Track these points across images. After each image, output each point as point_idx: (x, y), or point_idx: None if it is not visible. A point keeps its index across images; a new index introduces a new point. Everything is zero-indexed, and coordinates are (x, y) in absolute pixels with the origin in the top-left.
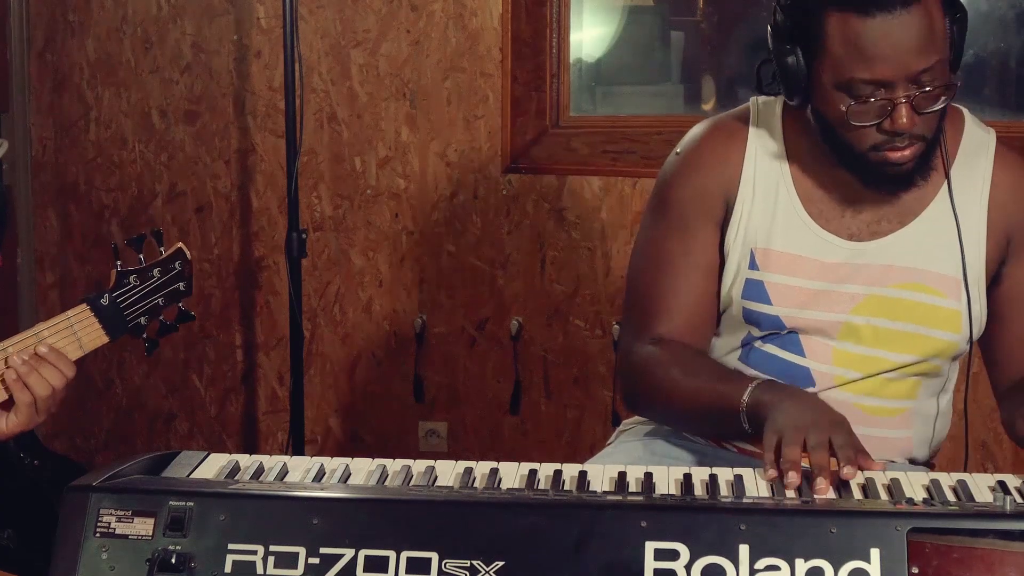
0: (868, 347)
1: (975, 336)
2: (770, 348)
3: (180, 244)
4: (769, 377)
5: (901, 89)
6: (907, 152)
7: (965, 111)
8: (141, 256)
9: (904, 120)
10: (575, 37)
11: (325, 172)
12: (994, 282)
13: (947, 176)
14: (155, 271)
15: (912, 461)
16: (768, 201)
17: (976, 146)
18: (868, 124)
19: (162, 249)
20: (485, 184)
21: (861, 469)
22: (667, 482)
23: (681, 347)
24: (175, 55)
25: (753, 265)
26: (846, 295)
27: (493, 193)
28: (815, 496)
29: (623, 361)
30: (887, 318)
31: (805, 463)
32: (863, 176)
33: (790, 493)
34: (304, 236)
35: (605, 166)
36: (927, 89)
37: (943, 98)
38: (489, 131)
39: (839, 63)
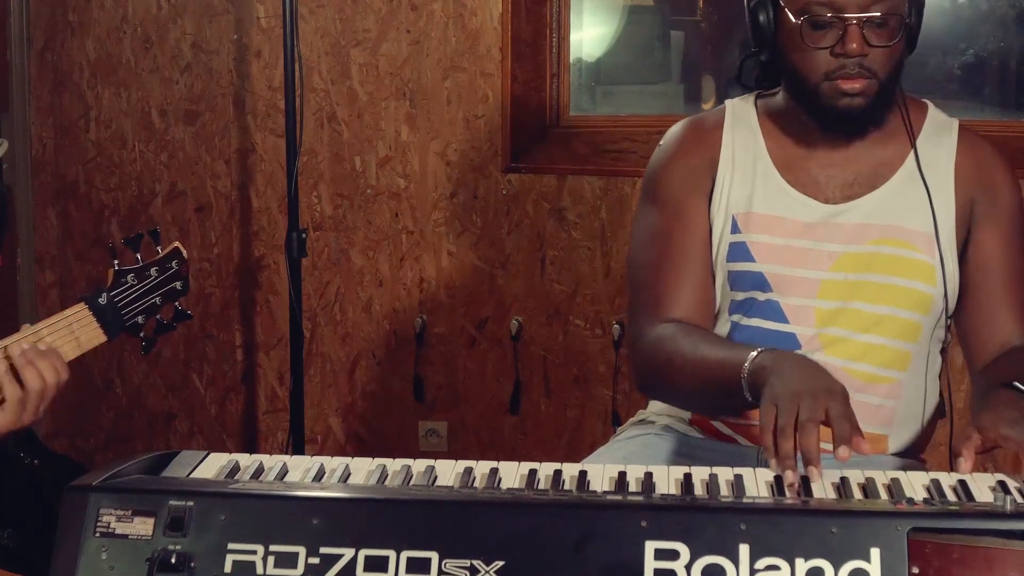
0: (846, 301)
1: (950, 295)
2: (755, 321)
3: (177, 243)
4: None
5: (852, 12)
6: (858, 84)
7: (930, 103)
8: (138, 255)
9: (855, 44)
10: (575, 37)
11: (325, 172)
12: (962, 252)
13: (913, 145)
14: (152, 270)
15: (902, 454)
16: (747, 171)
17: (940, 126)
18: (822, 47)
19: (159, 248)
20: (485, 184)
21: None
22: (667, 482)
23: (689, 326)
24: (175, 55)
25: (735, 229)
26: (824, 253)
27: (493, 193)
28: (814, 493)
29: (635, 346)
30: (864, 272)
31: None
32: (820, 115)
33: (790, 493)
34: (304, 236)
35: (605, 166)
36: (877, 16)
37: (896, 37)
38: (489, 131)
39: None
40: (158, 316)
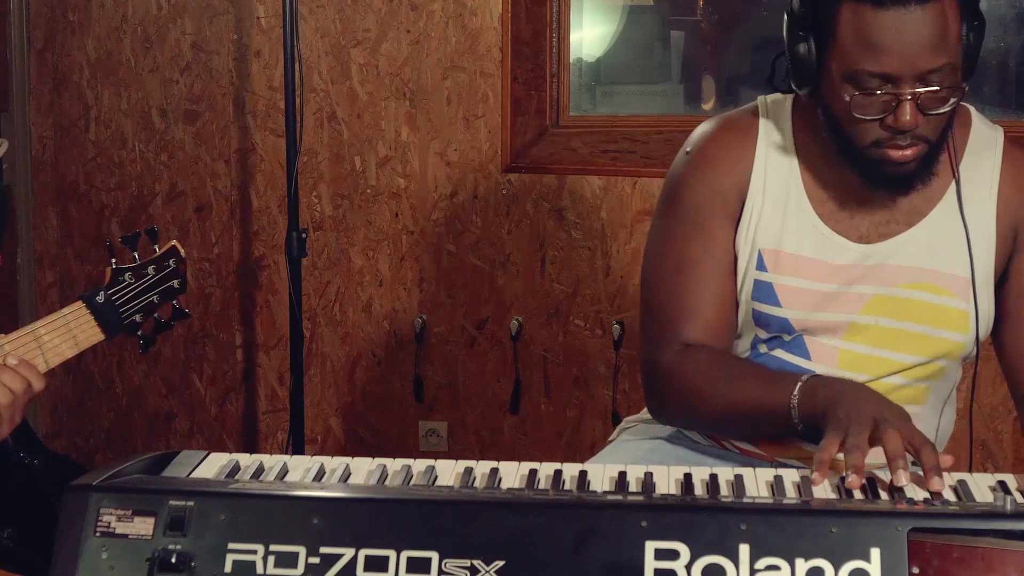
0: (874, 347)
1: (982, 336)
2: (776, 353)
3: (174, 242)
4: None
5: (907, 86)
6: (908, 152)
7: (972, 109)
8: (136, 254)
9: (907, 118)
10: (575, 37)
11: (325, 172)
12: (1003, 278)
13: (955, 176)
14: (150, 268)
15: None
16: (778, 201)
17: (983, 143)
18: (871, 118)
19: (156, 247)
20: (485, 184)
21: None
22: (667, 482)
23: (713, 351)
24: (175, 55)
25: (761, 266)
26: (855, 296)
27: (493, 193)
28: (896, 488)
29: (649, 369)
30: (894, 318)
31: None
32: (864, 174)
33: (790, 493)
34: (304, 236)
35: (605, 166)
36: (934, 89)
37: (950, 102)
38: (489, 131)
39: (848, 53)
40: (156, 315)
